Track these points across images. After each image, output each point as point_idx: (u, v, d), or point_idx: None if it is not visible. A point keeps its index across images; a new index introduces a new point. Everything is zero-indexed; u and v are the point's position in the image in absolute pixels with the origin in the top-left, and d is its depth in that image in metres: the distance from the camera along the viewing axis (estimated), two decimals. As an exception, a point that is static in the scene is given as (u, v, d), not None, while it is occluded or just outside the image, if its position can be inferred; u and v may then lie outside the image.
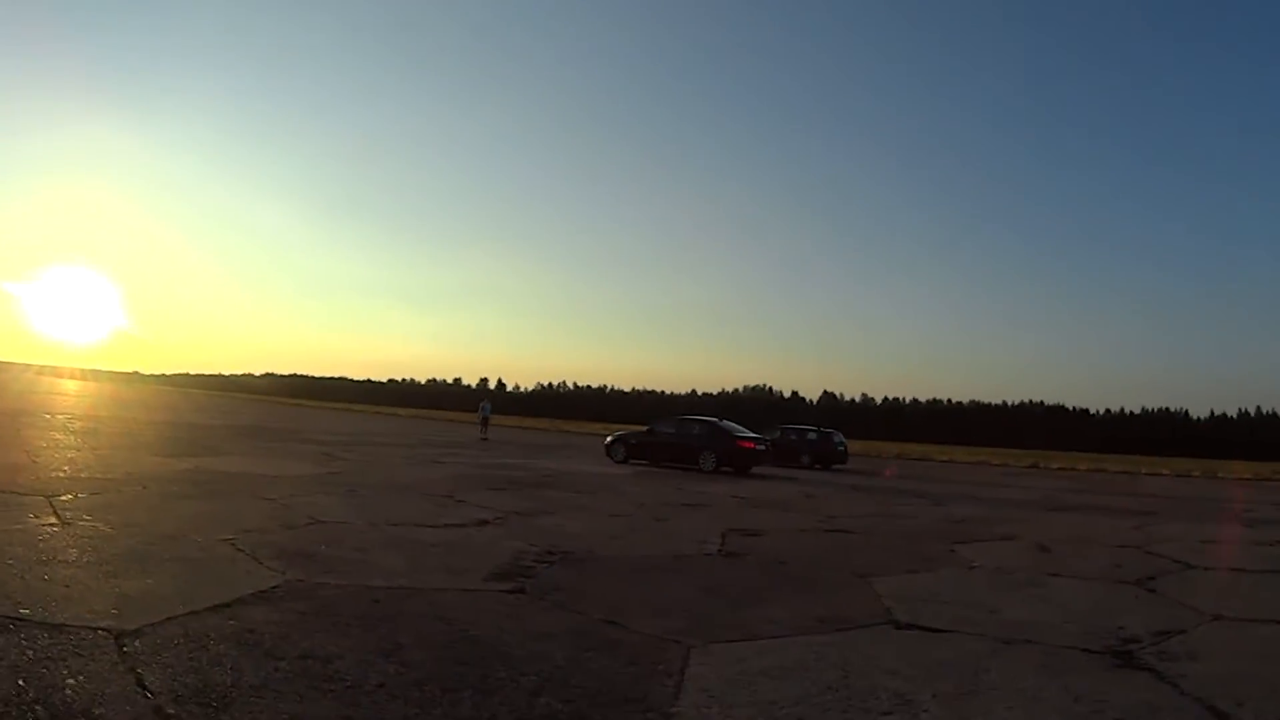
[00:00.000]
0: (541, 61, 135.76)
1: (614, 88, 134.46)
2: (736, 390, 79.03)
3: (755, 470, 16.55)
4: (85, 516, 6.16)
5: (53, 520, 5.95)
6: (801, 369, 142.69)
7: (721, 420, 16.80)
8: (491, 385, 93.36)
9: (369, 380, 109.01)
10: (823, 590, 5.14)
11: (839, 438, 21.85)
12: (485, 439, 23.69)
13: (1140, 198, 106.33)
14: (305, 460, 12.87)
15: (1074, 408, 65.45)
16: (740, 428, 16.79)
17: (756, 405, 65.58)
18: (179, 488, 8.14)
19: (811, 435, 21.83)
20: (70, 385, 71.40)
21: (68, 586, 4.14)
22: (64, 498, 6.86)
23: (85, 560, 4.76)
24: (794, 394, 75.49)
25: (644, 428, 17.46)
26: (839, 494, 13.36)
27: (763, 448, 16.21)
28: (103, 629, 3.46)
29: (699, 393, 78.32)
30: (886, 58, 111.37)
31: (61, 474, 8.71)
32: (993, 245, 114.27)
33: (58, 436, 14.51)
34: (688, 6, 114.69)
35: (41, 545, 5.06)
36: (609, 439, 17.54)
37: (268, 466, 11.23)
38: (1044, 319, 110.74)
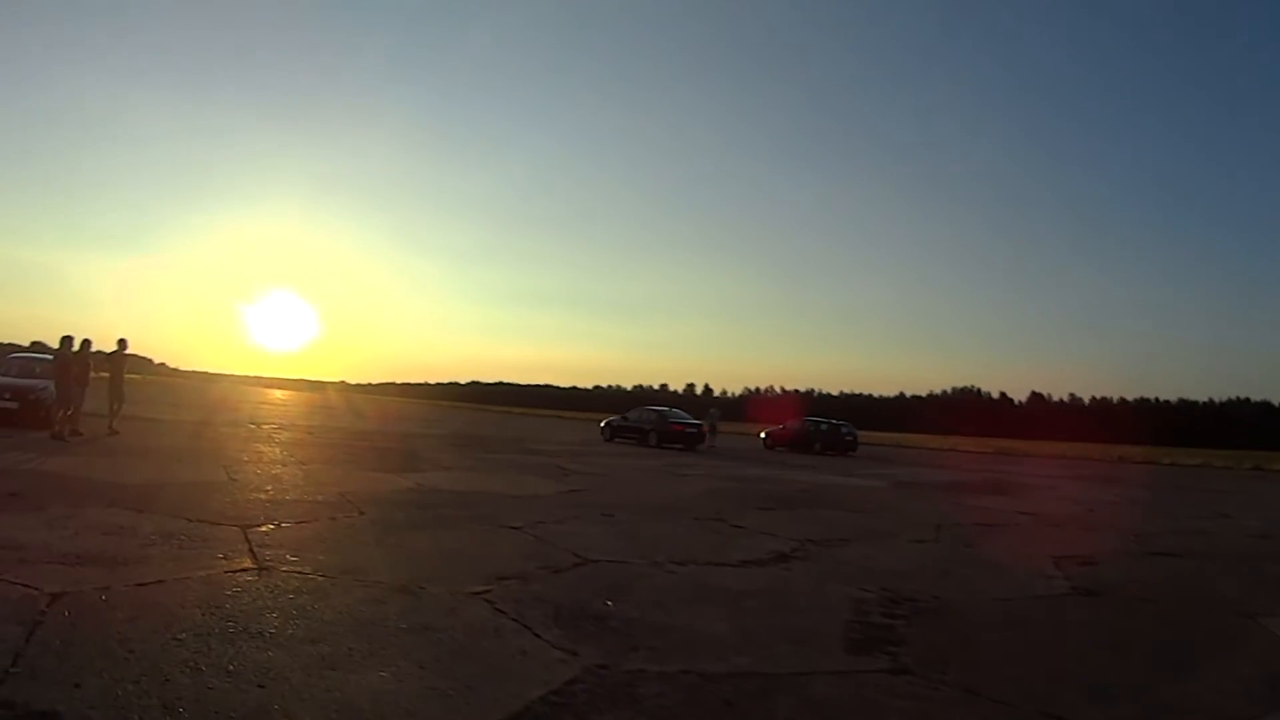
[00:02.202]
0: (729, 60, 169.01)
1: (808, 85, 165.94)
2: (945, 392, 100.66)
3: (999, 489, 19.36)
4: (289, 557, 6.03)
5: (247, 563, 5.78)
6: (1010, 370, 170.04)
7: (670, 410, 31.27)
8: (698, 391, 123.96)
9: (574, 387, 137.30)
10: (1237, 643, 5.45)
11: (847, 428, 33.32)
12: (712, 446, 29.68)
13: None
14: (537, 475, 14.52)
15: (1283, 405, 79.53)
16: (680, 414, 30.63)
17: (963, 407, 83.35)
18: (403, 513, 8.61)
19: (824, 426, 33.39)
20: (277, 395, 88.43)
21: (262, 686, 3.43)
22: (263, 528, 7.15)
23: (289, 633, 4.19)
24: (1002, 395, 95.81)
25: (620, 416, 31.83)
26: (1119, 508, 15.27)
27: (693, 430, 29.17)
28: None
29: (907, 394, 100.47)
30: (1109, 44, 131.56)
31: (262, 495, 9.32)
32: (1199, 239, 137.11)
33: (261, 449, 16.40)
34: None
35: (229, 606, 4.63)
36: (602, 423, 32.43)
37: (498, 483, 12.47)
38: (1252, 312, 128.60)
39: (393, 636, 4.25)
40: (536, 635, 4.42)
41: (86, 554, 5.57)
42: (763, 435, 35.01)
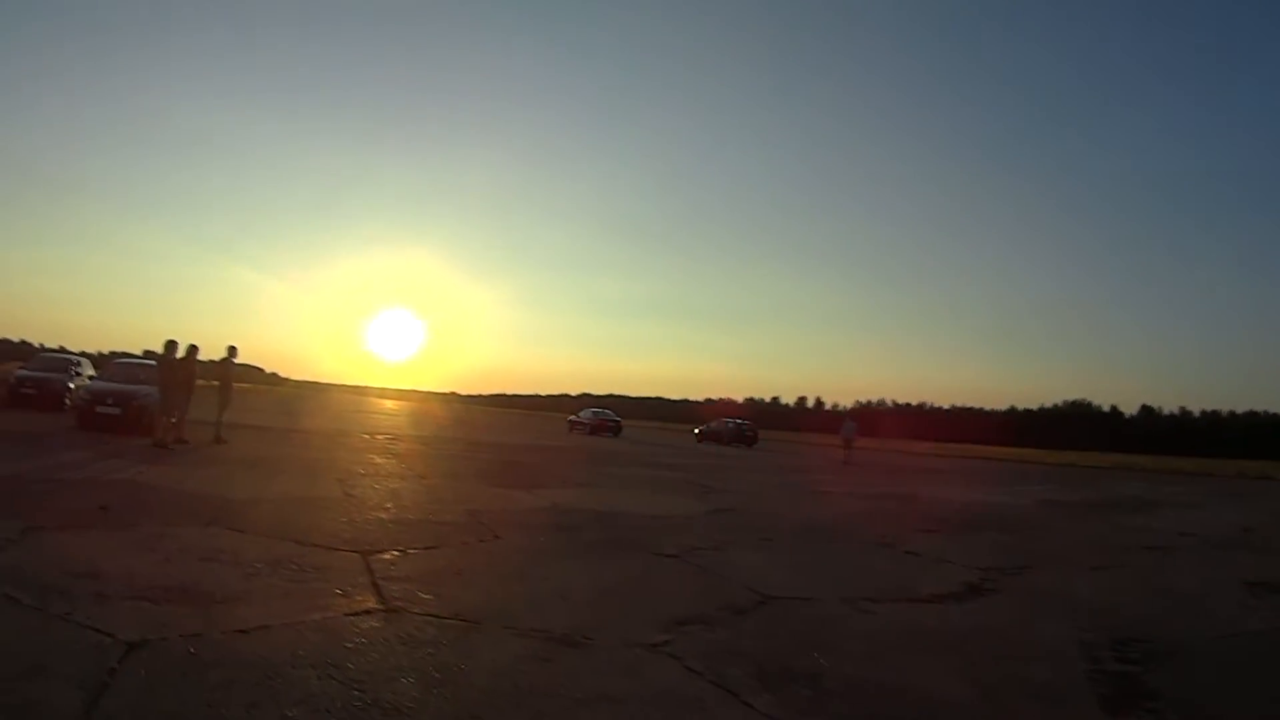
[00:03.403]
0: (841, 59, 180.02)
1: (924, 84, 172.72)
2: (1056, 405, 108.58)
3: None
4: (421, 594, 5.35)
5: (371, 602, 5.07)
6: (1124, 381, 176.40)
7: (602, 409, 55.45)
8: (809, 404, 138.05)
9: (685, 400, 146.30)
10: None
11: (748, 427, 49.08)
12: (849, 461, 31.52)
13: None
14: (676, 492, 14.59)
15: None
16: (608, 412, 53.35)
17: (1073, 420, 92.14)
18: (544, 538, 8.21)
19: (730, 425, 49.04)
20: (388, 404, 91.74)
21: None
22: (386, 555, 6.60)
23: (434, 708, 3.38)
24: (1113, 409, 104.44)
25: (574, 414, 53.52)
26: (1272, 529, 15.26)
27: (612, 423, 49.52)
28: None
29: (1018, 408, 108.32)
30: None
31: (382, 515, 8.86)
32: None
33: (377, 460, 16.22)
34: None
35: (353, 665, 3.83)
36: (570, 418, 53.84)
37: (637, 502, 12.35)
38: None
39: (570, 713, 3.49)
40: (748, 705, 3.78)
41: (177, 586, 4.92)
42: (696, 431, 52.81)
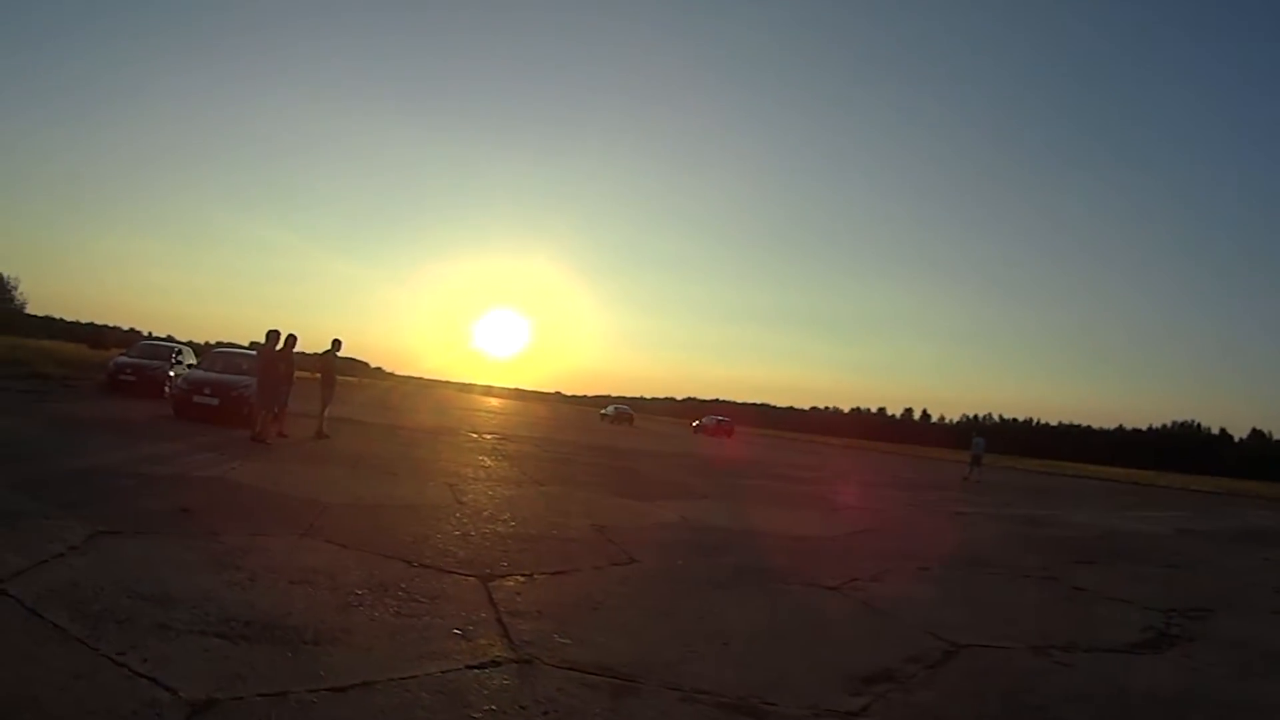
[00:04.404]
0: (949, 66, 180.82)
1: (1036, 96, 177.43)
2: (1165, 426, 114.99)
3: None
4: (558, 637, 4.67)
5: (498, 648, 4.33)
6: (1234, 403, 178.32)
7: (623, 405, 77.95)
8: (915, 416, 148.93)
9: (791, 408, 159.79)
10: None
11: (726, 422, 69.11)
12: (979, 480, 30.83)
13: None
14: (807, 508, 14.53)
15: None
16: (626, 407, 76.70)
17: (1180, 444, 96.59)
18: (684, 562, 7.72)
19: (714, 420, 69.81)
20: (492, 402, 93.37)
21: None
22: (509, 582, 5.97)
23: None
24: (1222, 431, 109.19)
25: (604, 409, 76.30)
26: None
27: (627, 415, 71.92)
28: None
29: (1126, 427, 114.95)
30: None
31: (500, 528, 8.29)
32: None
33: (486, 463, 15.83)
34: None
35: None
36: (601, 411, 76.55)
37: (771, 519, 12.12)
38: None
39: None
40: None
41: (260, 620, 4.22)
42: (695, 424, 69.49)
